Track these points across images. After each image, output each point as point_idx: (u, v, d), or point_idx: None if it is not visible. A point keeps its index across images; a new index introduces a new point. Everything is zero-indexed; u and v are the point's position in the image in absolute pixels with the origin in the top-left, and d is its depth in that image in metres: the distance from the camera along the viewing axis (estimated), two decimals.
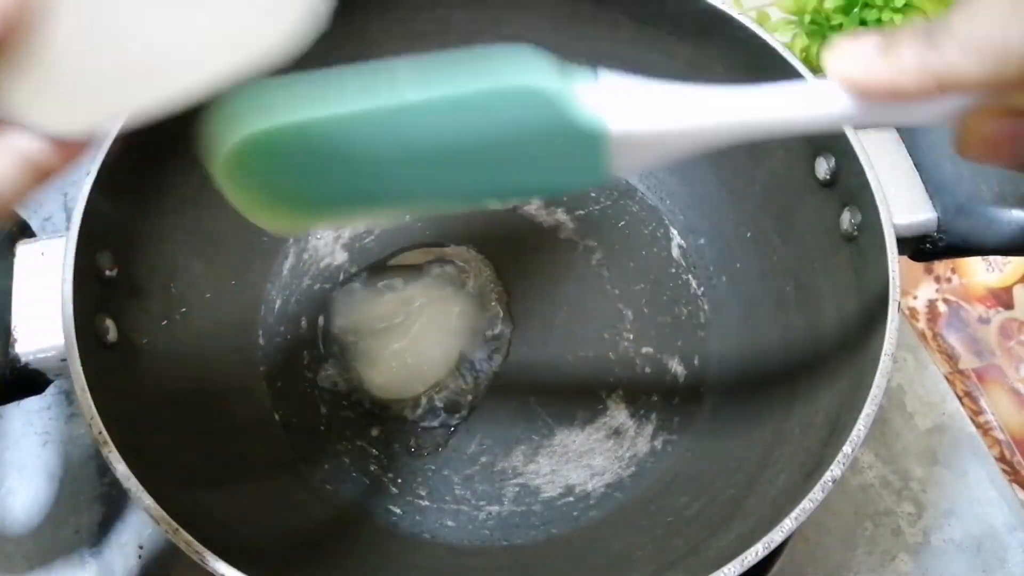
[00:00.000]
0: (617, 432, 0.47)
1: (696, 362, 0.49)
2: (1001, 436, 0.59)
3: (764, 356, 0.47)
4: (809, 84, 0.31)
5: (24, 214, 0.43)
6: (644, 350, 0.49)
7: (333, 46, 0.52)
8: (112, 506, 0.49)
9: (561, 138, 0.29)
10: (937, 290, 0.70)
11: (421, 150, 0.29)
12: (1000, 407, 0.64)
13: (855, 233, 0.42)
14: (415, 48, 0.53)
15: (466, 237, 0.52)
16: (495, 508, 0.45)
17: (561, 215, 0.53)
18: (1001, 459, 0.56)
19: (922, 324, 0.68)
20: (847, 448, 0.35)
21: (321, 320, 0.49)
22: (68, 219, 0.48)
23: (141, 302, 0.43)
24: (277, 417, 0.47)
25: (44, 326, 0.38)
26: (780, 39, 0.45)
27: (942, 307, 0.69)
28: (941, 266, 0.70)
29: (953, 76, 0.24)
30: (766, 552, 0.33)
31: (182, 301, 0.46)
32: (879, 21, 0.54)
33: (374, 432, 0.46)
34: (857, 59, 0.26)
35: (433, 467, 0.46)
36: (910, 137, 0.44)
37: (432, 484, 0.45)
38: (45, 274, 0.39)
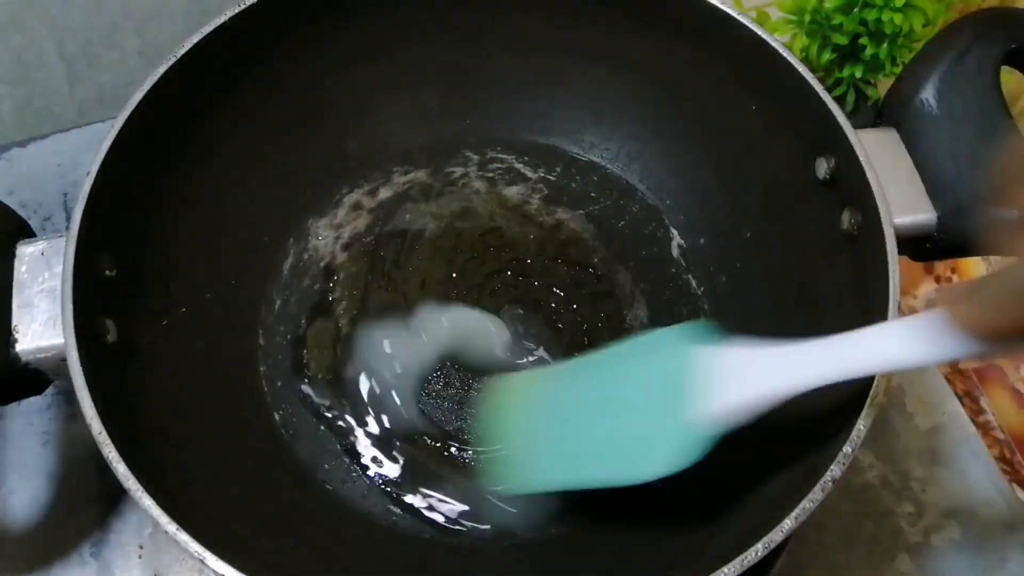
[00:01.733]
0: None
1: None
2: (1001, 436, 0.59)
3: None
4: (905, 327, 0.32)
5: (24, 214, 0.43)
6: None
7: (333, 46, 0.53)
8: (112, 506, 0.49)
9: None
10: (937, 290, 0.70)
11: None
12: (1000, 407, 0.64)
13: (855, 233, 0.42)
14: (415, 48, 0.54)
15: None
16: (495, 506, 0.45)
17: (562, 214, 0.53)
18: (1001, 459, 0.56)
19: None
20: (847, 448, 0.35)
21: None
22: (68, 219, 0.48)
23: (141, 302, 0.43)
24: (277, 417, 0.47)
25: (44, 326, 0.38)
26: (780, 39, 0.45)
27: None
28: (941, 266, 0.70)
29: None
30: (766, 552, 0.33)
31: (182, 301, 0.46)
32: (879, 21, 0.54)
33: (375, 431, 0.46)
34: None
35: (434, 466, 0.45)
36: (910, 137, 0.44)
37: (432, 483, 0.45)
38: (45, 274, 0.39)
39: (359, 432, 0.46)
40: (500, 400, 0.43)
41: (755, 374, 0.35)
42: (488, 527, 0.44)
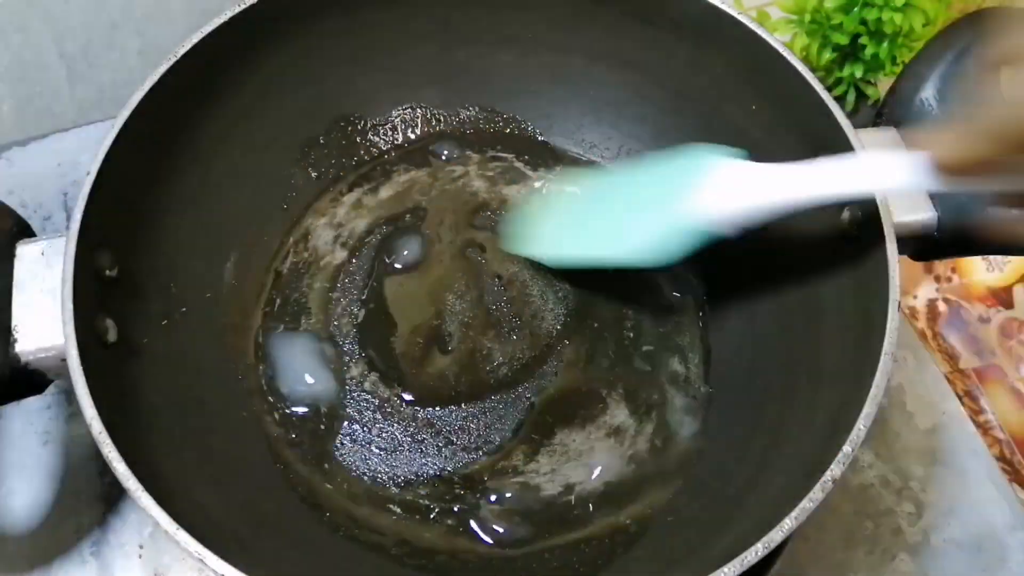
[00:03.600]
0: (617, 431, 0.47)
1: (696, 361, 0.49)
2: (1001, 435, 0.59)
3: (764, 355, 0.47)
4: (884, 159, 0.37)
5: (24, 214, 0.43)
6: (644, 348, 0.49)
7: (333, 45, 0.53)
8: (112, 506, 0.49)
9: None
10: (937, 289, 0.70)
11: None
12: (1000, 406, 0.64)
13: (855, 233, 0.42)
14: (416, 47, 0.54)
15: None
16: (495, 507, 0.45)
17: None
18: (1001, 458, 0.56)
19: (922, 323, 0.68)
20: (847, 448, 0.35)
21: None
22: (68, 219, 0.48)
23: (141, 302, 0.43)
24: (277, 417, 0.47)
25: (44, 326, 0.38)
26: (780, 38, 0.45)
27: (942, 306, 0.69)
28: (941, 266, 0.70)
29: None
30: (766, 552, 0.33)
31: (182, 301, 0.46)
32: (879, 20, 0.54)
33: (375, 431, 0.46)
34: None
35: (434, 466, 0.45)
36: (910, 137, 0.44)
37: (432, 483, 0.45)
38: (45, 274, 0.39)
39: (359, 432, 0.46)
40: (538, 198, 0.51)
41: (750, 184, 0.40)
42: (490, 540, 0.44)
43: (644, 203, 0.45)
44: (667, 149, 0.45)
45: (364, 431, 0.46)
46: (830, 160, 0.39)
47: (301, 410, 0.47)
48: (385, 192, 0.54)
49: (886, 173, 0.36)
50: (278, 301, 0.50)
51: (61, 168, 0.59)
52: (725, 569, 0.33)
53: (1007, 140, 0.29)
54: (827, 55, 0.57)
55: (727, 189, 0.40)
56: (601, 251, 0.46)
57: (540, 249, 0.49)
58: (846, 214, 0.43)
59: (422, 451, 0.46)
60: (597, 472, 0.45)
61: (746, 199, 0.40)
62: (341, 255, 0.51)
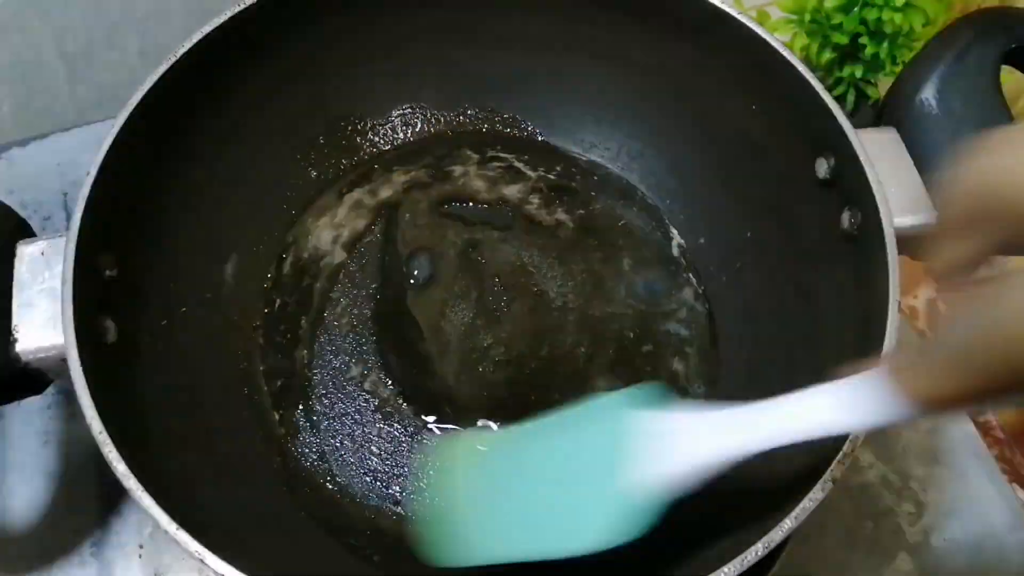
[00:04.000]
0: None
1: (696, 361, 0.49)
2: (1001, 436, 0.59)
3: (764, 355, 0.47)
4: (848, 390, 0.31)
5: (24, 214, 0.43)
6: (644, 348, 0.49)
7: (334, 45, 0.53)
8: (112, 506, 0.49)
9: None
10: (937, 289, 0.69)
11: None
12: None
13: (855, 233, 0.42)
14: (416, 47, 0.54)
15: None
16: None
17: (561, 215, 0.53)
18: (1001, 459, 0.56)
19: (922, 323, 0.68)
20: (847, 448, 0.35)
21: None
22: (68, 219, 0.48)
23: (141, 302, 0.43)
24: (277, 417, 0.47)
25: (44, 326, 0.38)
26: (780, 38, 0.45)
27: (942, 306, 0.69)
28: None
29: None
30: (766, 552, 0.33)
31: (182, 301, 0.46)
32: (879, 20, 0.54)
33: (375, 431, 0.46)
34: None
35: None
36: (910, 137, 0.44)
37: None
38: (45, 274, 0.39)
39: (359, 432, 0.46)
40: (443, 464, 0.41)
41: (693, 441, 0.33)
42: None
43: (577, 480, 0.36)
44: (577, 401, 0.38)
45: (364, 431, 0.46)
46: (781, 401, 0.32)
47: (301, 410, 0.47)
48: (385, 192, 0.54)
49: (852, 414, 0.30)
50: (278, 301, 0.50)
51: (61, 168, 0.59)
52: (725, 569, 0.33)
53: (996, 375, 0.23)
54: (827, 55, 0.57)
55: (667, 451, 0.34)
56: (538, 546, 0.36)
57: (465, 554, 0.37)
58: (846, 214, 0.43)
59: (422, 451, 0.46)
60: None
61: (691, 458, 0.33)
62: (341, 255, 0.51)
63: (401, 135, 0.55)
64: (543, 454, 0.38)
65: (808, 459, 0.37)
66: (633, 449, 0.34)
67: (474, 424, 0.47)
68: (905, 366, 0.26)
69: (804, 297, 0.46)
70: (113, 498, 0.49)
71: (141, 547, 0.48)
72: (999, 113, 0.43)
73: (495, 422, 0.47)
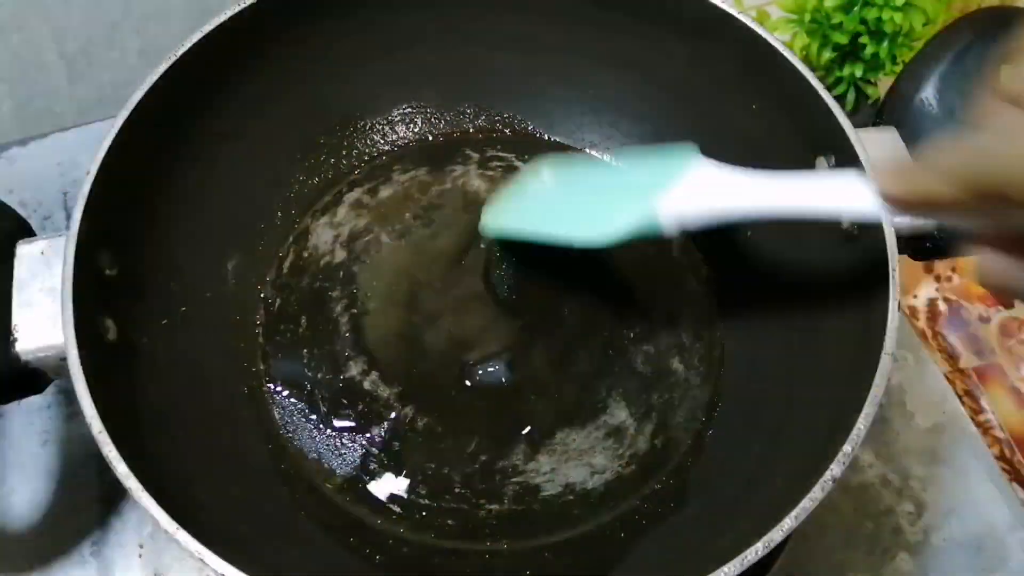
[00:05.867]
0: (617, 431, 0.47)
1: (696, 361, 0.49)
2: (1001, 435, 0.59)
3: (764, 355, 0.47)
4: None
5: (24, 213, 0.43)
6: (644, 348, 0.49)
7: (334, 45, 0.53)
8: (112, 506, 0.49)
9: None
10: (937, 289, 0.70)
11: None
12: (1000, 406, 0.64)
13: (855, 233, 0.42)
14: (416, 47, 0.54)
15: None
16: (495, 507, 0.45)
17: None
18: (1001, 458, 0.56)
19: (922, 323, 0.68)
20: (847, 447, 0.35)
21: None
22: (68, 219, 0.48)
23: (141, 302, 0.43)
24: (277, 416, 0.47)
25: (44, 326, 0.38)
26: (780, 38, 0.45)
27: (942, 306, 0.69)
28: (941, 265, 0.70)
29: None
30: (766, 551, 0.33)
31: (182, 301, 0.46)
32: (879, 20, 0.54)
33: (375, 431, 0.46)
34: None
35: (434, 466, 0.46)
36: (910, 137, 0.44)
37: (432, 483, 0.45)
38: (45, 274, 0.39)
39: (360, 432, 0.46)
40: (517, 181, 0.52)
41: (713, 188, 0.40)
42: (488, 526, 0.44)
43: (611, 190, 0.47)
44: (653, 145, 0.46)
45: (364, 431, 0.46)
46: (790, 175, 0.39)
47: (301, 409, 0.47)
48: (385, 192, 0.54)
49: (843, 196, 0.36)
50: (278, 301, 0.50)
51: (61, 168, 0.59)
52: (725, 569, 0.33)
53: (965, 187, 0.28)
54: (827, 55, 0.57)
55: (693, 191, 0.41)
56: (554, 229, 0.46)
57: (503, 223, 0.50)
58: None
59: (421, 451, 0.46)
60: (597, 472, 0.45)
61: (705, 203, 0.40)
62: (341, 255, 0.51)
63: (401, 135, 0.55)
64: (588, 178, 0.50)
65: (808, 459, 0.37)
66: (659, 183, 0.42)
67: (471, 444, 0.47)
68: (888, 174, 0.32)
69: (804, 297, 0.46)
70: (113, 498, 0.49)
71: (141, 547, 0.48)
72: None
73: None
